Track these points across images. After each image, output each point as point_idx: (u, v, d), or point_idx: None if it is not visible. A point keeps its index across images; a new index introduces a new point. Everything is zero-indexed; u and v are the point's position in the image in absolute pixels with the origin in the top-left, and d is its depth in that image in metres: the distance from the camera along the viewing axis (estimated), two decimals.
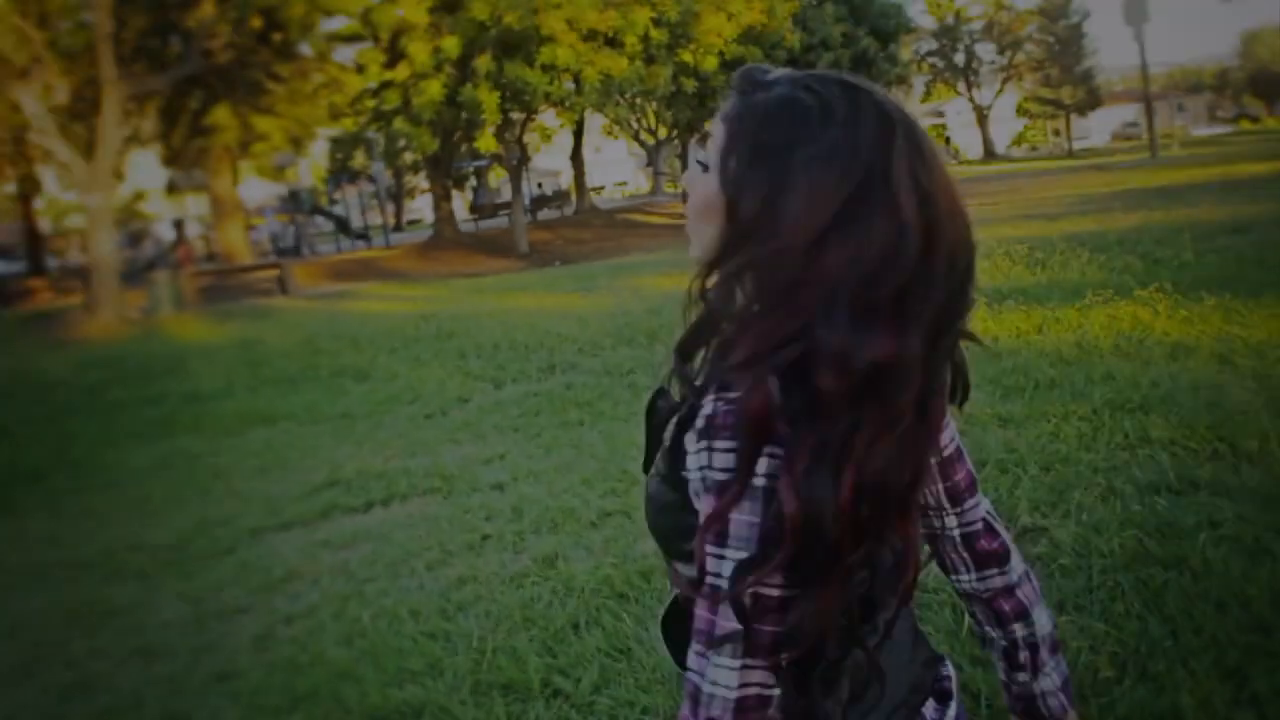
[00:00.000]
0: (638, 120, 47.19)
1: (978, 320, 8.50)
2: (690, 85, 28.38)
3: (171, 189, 46.03)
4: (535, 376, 10.42)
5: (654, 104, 30.97)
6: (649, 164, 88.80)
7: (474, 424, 8.99)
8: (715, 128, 1.19)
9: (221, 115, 28.31)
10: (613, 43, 25.87)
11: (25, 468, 9.75)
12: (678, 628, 1.27)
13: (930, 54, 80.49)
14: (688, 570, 1.21)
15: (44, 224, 66.84)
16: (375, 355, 12.88)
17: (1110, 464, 5.22)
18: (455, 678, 4.16)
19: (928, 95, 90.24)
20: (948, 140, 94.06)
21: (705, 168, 1.21)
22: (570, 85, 26.24)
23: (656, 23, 25.79)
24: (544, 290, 18.93)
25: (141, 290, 24.89)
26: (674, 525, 1.24)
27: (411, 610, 4.96)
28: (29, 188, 50.25)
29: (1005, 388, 7.04)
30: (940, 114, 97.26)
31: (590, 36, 25.30)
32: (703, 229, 1.22)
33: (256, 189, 54.59)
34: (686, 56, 27.97)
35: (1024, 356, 7.80)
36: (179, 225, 47.37)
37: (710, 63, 28.36)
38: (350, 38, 30.86)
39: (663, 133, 47.25)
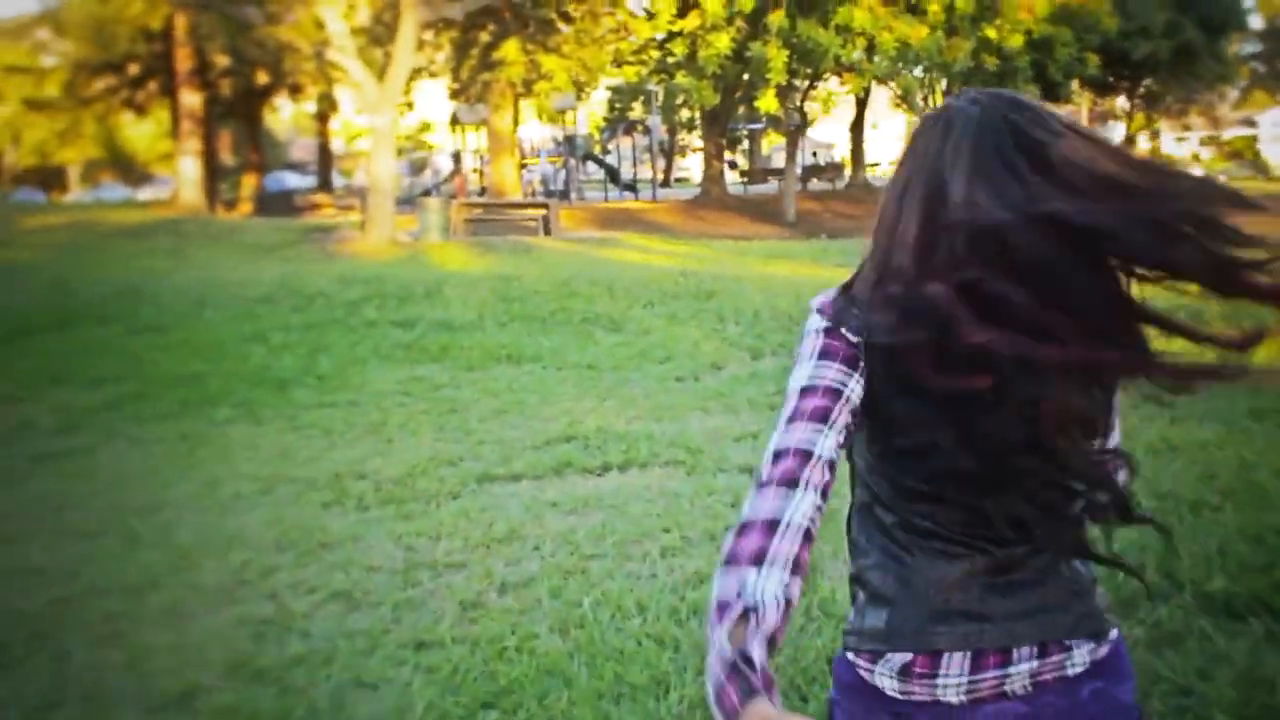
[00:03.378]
0: (925, 97, 45.34)
1: None
2: (992, 63, 26.60)
3: (454, 122, 47.24)
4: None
5: (945, 80, 29.33)
6: None
7: (726, 395, 8.29)
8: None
9: (510, 50, 28.50)
10: (914, 10, 24.49)
11: (274, 376, 9.67)
12: None
13: (1253, 57, 74.04)
14: None
15: (338, 145, 70.51)
16: (630, 307, 12.35)
17: None
18: (681, 703, 3.46)
19: (1242, 102, 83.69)
20: (1257, 154, 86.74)
21: None
22: (862, 52, 24.99)
23: None
24: (811, 261, 18.06)
25: (415, 215, 25.38)
26: None
27: (639, 603, 4.30)
28: (326, 107, 52.77)
29: None
30: (1252, 124, 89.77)
31: (891, 0, 24.03)
32: None
33: (535, 132, 55.61)
34: (991, 32, 26.26)
35: None
36: (456, 157, 48.57)
37: (1016, 40, 26.56)
38: None
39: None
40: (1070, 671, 1.49)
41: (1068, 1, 26.48)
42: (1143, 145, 75.29)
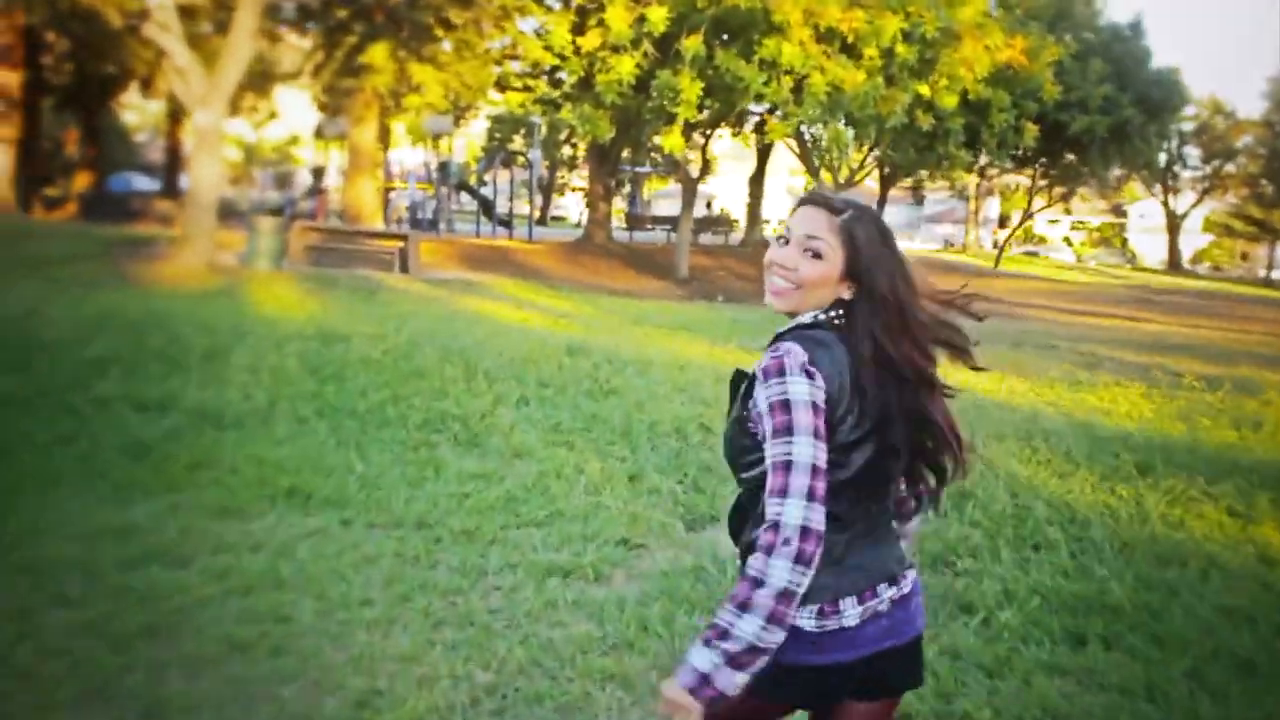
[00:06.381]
0: (821, 157, 42.63)
1: None
2: (926, 121, 23.51)
3: (319, 135, 42.91)
4: None
5: (875, 134, 26.11)
6: None
7: (659, 631, 4.55)
8: (824, 234, 2.18)
9: (378, 55, 24.48)
10: (849, 51, 21.28)
11: None
12: (737, 519, 2.24)
13: None
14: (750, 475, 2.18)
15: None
16: (495, 404, 8.50)
17: None
18: None
19: (1116, 191, 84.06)
20: (1124, 242, 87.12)
21: (819, 256, 2.17)
22: (788, 92, 21.48)
23: (906, 36, 21.14)
24: (728, 338, 14.48)
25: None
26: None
27: None
28: (178, 104, 47.60)
29: None
30: (1122, 213, 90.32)
31: (826, 37, 20.76)
32: (820, 292, 2.19)
33: (409, 157, 51.52)
34: (923, 89, 23.24)
35: None
36: (317, 174, 44.05)
37: (949, 101, 23.60)
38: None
39: (844, 173, 42.57)
40: (904, 591, 2.24)
41: (1011, 61, 23.67)
42: (1014, 221, 74.26)
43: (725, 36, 21.77)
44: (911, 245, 70.85)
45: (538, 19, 26.84)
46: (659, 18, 20.78)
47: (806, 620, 2.09)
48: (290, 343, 10.28)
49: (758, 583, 1.92)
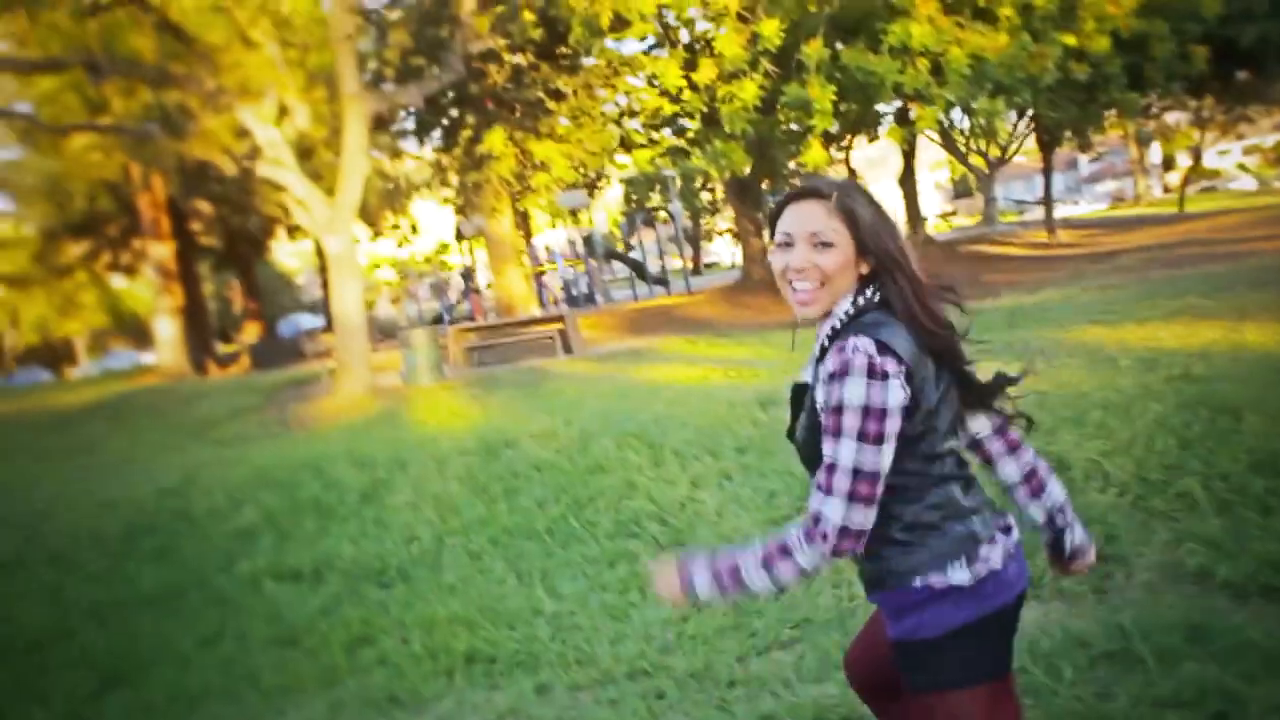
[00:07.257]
0: (967, 141, 40.51)
1: None
2: (1081, 71, 21.50)
3: (459, 236, 43.00)
4: None
5: (1030, 96, 23.85)
6: (971, 192, 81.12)
7: None
8: (825, 222, 2.15)
9: (495, 141, 23.80)
10: (983, 16, 19.53)
11: None
12: None
13: None
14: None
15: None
16: (694, 487, 7.11)
17: None
18: None
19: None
20: (1243, 167, 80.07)
21: (830, 245, 2.13)
22: (928, 75, 19.78)
23: None
24: None
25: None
26: None
27: None
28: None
29: None
30: (1241, 136, 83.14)
31: (954, 7, 19.07)
32: (842, 280, 2.15)
33: (557, 239, 51.51)
34: (1069, 39, 21.23)
35: None
36: (466, 275, 44.02)
37: (1102, 44, 21.54)
38: (647, 49, 26.04)
39: (994, 152, 40.30)
40: (1015, 537, 2.21)
41: None
42: (1182, 162, 69.17)
43: (846, 34, 20.29)
44: (1076, 210, 67.05)
45: (647, 71, 25.91)
46: (772, 31, 19.40)
47: (961, 576, 2.07)
48: (452, 462, 9.17)
49: (786, 552, 2.02)
